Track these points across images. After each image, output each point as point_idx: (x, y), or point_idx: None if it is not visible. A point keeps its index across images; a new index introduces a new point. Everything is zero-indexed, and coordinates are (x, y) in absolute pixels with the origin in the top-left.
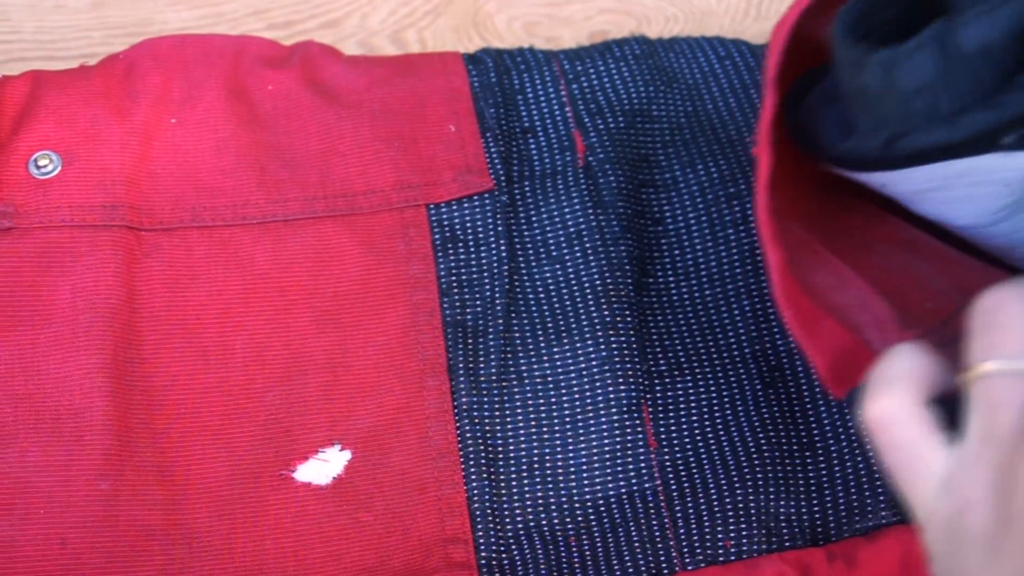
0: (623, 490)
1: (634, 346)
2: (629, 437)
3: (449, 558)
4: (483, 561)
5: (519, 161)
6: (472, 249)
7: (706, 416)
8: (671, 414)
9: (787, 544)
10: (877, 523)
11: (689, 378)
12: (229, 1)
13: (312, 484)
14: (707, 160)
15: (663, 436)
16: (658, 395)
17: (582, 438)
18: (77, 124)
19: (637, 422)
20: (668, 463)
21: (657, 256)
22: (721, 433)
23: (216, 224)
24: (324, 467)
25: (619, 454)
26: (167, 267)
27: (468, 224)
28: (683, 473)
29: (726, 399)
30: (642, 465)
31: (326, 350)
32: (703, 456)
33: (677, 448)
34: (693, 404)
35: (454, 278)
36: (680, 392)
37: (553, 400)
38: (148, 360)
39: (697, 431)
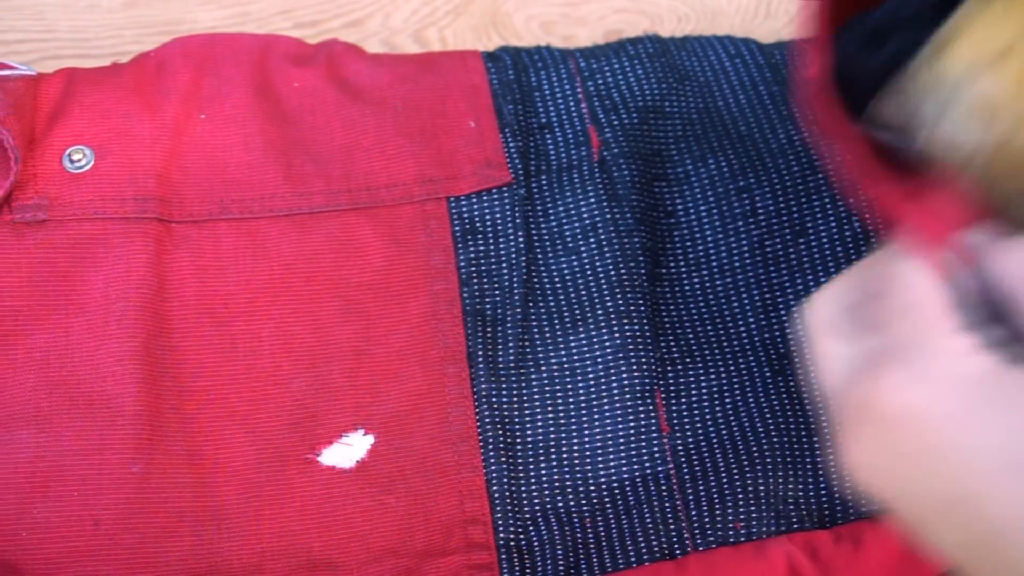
0: (637, 473)
1: (647, 334)
2: (643, 422)
3: (468, 538)
4: (501, 541)
5: (536, 156)
6: (491, 240)
7: (717, 402)
8: (683, 400)
9: (795, 526)
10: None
11: (700, 365)
12: (257, 0)
13: (336, 467)
14: (717, 155)
15: (675, 421)
16: (671, 382)
17: (597, 423)
18: (110, 120)
19: (651, 407)
20: (680, 447)
21: (670, 248)
22: (732, 419)
23: (244, 216)
24: (348, 451)
25: (633, 438)
26: (196, 258)
27: (487, 216)
28: (695, 457)
29: (736, 386)
30: (655, 449)
31: (350, 338)
32: (714, 441)
33: (689, 433)
34: (704, 391)
35: (473, 268)
36: (692, 379)
37: (569, 386)
38: (178, 347)
39: (708, 417)
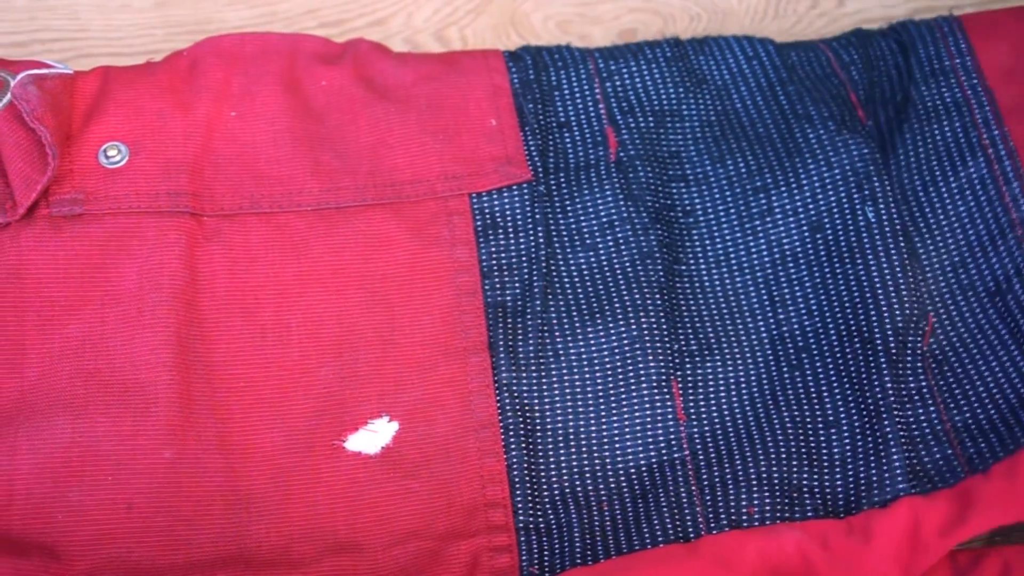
0: (653, 459)
1: (664, 326)
2: (659, 410)
3: (489, 521)
4: (520, 524)
5: (555, 154)
6: (511, 235)
7: (734, 393)
8: (700, 391)
9: (809, 514)
10: (895, 492)
11: (718, 358)
12: (284, 0)
13: (362, 453)
14: (735, 155)
15: (692, 410)
16: (688, 373)
17: (615, 411)
18: (144, 117)
19: (667, 396)
20: (696, 435)
21: (688, 245)
22: (748, 409)
23: (273, 211)
24: (373, 437)
25: (649, 426)
26: (227, 251)
27: (508, 212)
28: (710, 444)
29: (753, 378)
30: (672, 436)
31: (376, 328)
32: (730, 429)
33: (705, 421)
34: (721, 382)
35: (494, 262)
36: (709, 371)
37: (587, 375)
38: (209, 337)
39: (725, 407)
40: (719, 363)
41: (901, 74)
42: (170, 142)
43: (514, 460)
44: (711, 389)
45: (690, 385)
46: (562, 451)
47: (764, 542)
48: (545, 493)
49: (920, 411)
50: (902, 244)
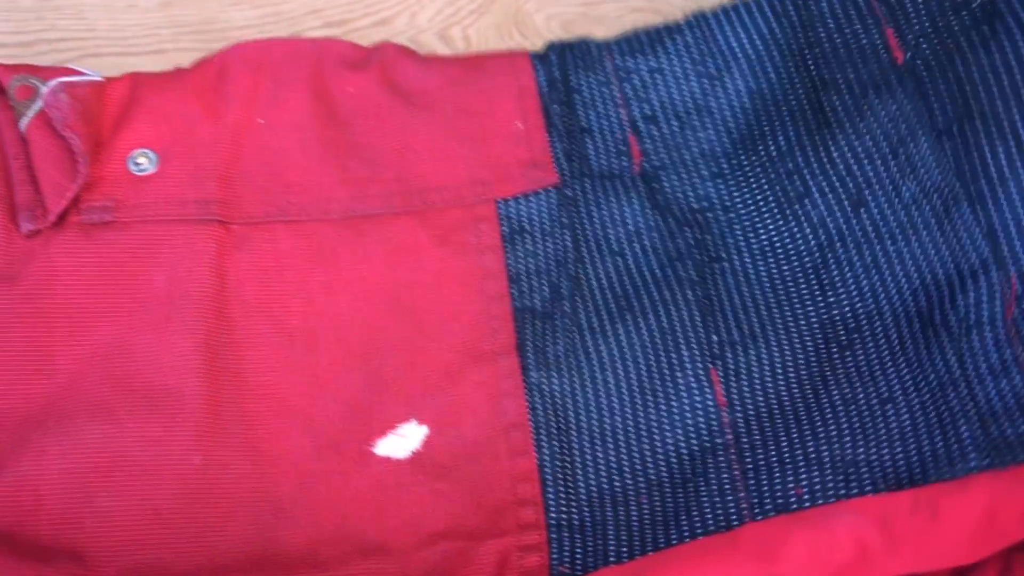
0: (695, 446)
1: (697, 319)
2: (697, 399)
3: (519, 519)
4: (552, 521)
5: (578, 158)
6: (538, 240)
7: (780, 378)
8: (743, 378)
9: (868, 488)
10: (966, 468)
11: (763, 345)
12: (288, 0)
13: (391, 458)
14: (767, 139)
15: (735, 396)
16: (729, 362)
17: (651, 404)
18: (173, 124)
19: (705, 385)
20: (740, 419)
21: (732, 241)
22: (795, 391)
23: (301, 219)
24: (402, 442)
25: (688, 415)
26: (256, 258)
27: (534, 217)
28: (754, 427)
29: (801, 362)
30: (713, 422)
31: (403, 335)
32: (776, 412)
33: (750, 406)
34: (767, 368)
35: (522, 267)
36: (753, 358)
37: (620, 372)
38: (238, 344)
39: (771, 391)
40: (763, 350)
41: None
42: (199, 149)
43: (546, 458)
44: (755, 375)
45: (732, 373)
46: (598, 447)
47: (813, 533)
48: (582, 489)
49: (1004, 384)
50: (955, 215)
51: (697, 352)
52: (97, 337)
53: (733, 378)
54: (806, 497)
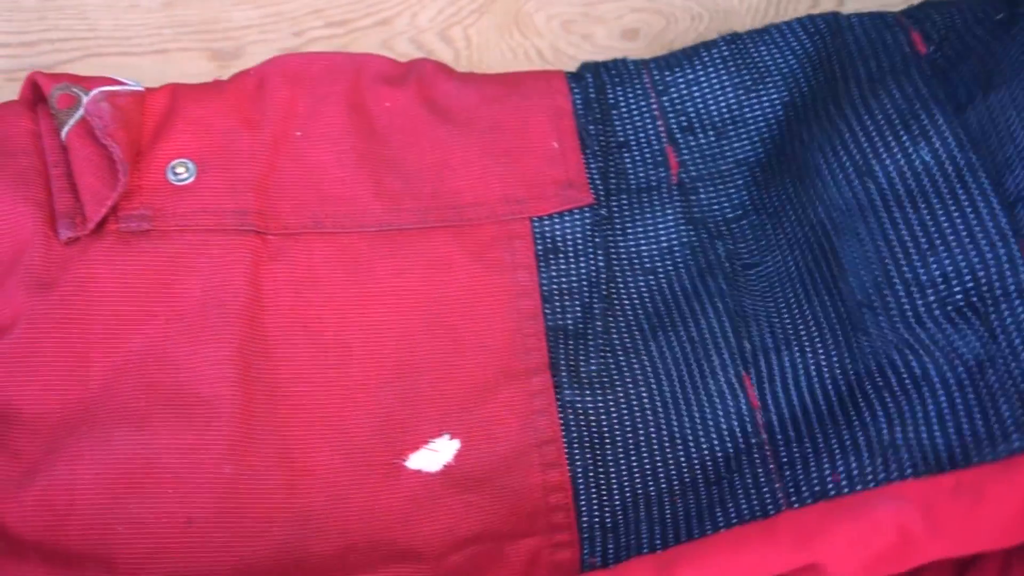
0: (730, 448)
1: (727, 328)
2: (731, 404)
3: (551, 522)
4: (584, 523)
5: (616, 175)
6: (572, 260)
7: (814, 376)
8: (777, 382)
9: (908, 472)
10: (1009, 449)
11: (796, 348)
12: (290, 0)
13: (423, 472)
14: (794, 140)
15: (768, 399)
16: (762, 367)
17: (685, 413)
18: (212, 135)
19: (738, 391)
20: (775, 420)
21: (764, 243)
22: (829, 386)
23: (336, 231)
24: (434, 456)
25: (723, 419)
26: (291, 270)
27: (568, 236)
28: (789, 426)
29: (835, 359)
30: (748, 424)
31: (436, 350)
32: (810, 410)
33: (784, 406)
34: (801, 369)
35: (555, 286)
36: (787, 361)
37: (654, 387)
38: (272, 355)
39: (805, 389)
40: (797, 353)
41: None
42: (237, 160)
43: (579, 469)
44: (789, 378)
45: (764, 378)
46: (632, 456)
47: (853, 519)
48: (616, 494)
49: None
50: (970, 182)
51: (728, 360)
52: (132, 344)
53: (767, 382)
54: (844, 483)
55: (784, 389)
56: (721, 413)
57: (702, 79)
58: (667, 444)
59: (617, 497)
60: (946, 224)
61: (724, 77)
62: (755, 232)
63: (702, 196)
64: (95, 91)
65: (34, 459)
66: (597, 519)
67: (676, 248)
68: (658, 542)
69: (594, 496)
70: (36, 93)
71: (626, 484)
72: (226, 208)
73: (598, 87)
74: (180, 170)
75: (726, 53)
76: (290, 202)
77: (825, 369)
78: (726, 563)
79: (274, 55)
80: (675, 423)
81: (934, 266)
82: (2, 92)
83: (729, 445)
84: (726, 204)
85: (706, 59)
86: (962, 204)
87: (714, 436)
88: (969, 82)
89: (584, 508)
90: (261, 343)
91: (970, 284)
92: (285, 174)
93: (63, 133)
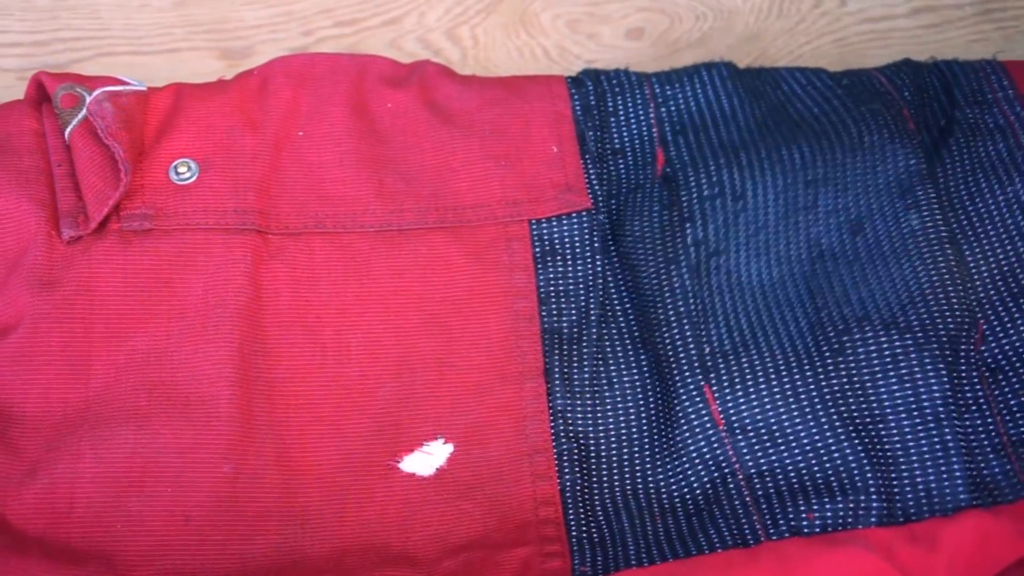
0: (704, 478)
1: (688, 334)
2: (696, 423)
3: (541, 534)
4: (573, 536)
5: (609, 180)
6: (569, 263)
7: (775, 388)
8: (738, 390)
9: (873, 520)
10: (956, 504)
11: (755, 352)
12: (299, 0)
13: (416, 475)
14: (791, 146)
15: (732, 415)
16: (722, 373)
17: (657, 433)
18: (214, 135)
19: (701, 407)
20: (743, 444)
21: (733, 233)
22: (792, 404)
23: (336, 231)
24: (428, 459)
25: (691, 442)
26: (291, 269)
27: (566, 239)
28: (759, 452)
29: (795, 368)
30: (716, 449)
31: (434, 351)
32: (776, 433)
33: (749, 426)
34: (761, 377)
35: (552, 288)
36: (746, 367)
37: (641, 402)
38: (271, 354)
39: (768, 406)
40: (755, 358)
41: (944, 102)
42: (239, 160)
43: (567, 483)
44: (749, 385)
45: (726, 387)
46: (615, 475)
47: (827, 553)
48: (599, 511)
49: (978, 422)
50: (948, 250)
51: (688, 370)
52: (134, 343)
53: (728, 390)
54: (817, 523)
55: (745, 398)
56: (688, 434)
57: (700, 94)
58: (648, 464)
59: (600, 512)
60: (936, 279)
61: (720, 90)
62: (727, 220)
63: (680, 178)
64: (98, 91)
65: (36, 457)
66: (585, 532)
67: (660, 244)
68: (644, 555)
69: (581, 510)
70: (41, 92)
71: (608, 501)
72: (228, 207)
73: (598, 94)
74: (182, 169)
75: (725, 73)
76: (291, 201)
77: (785, 377)
78: None
79: (283, 54)
80: (657, 442)
81: (925, 318)
82: (15, 90)
83: (703, 473)
84: (704, 182)
85: (706, 78)
86: (950, 264)
87: (686, 461)
88: (934, 160)
89: (572, 521)
90: (261, 342)
91: (944, 336)
92: (287, 174)
93: (67, 132)
